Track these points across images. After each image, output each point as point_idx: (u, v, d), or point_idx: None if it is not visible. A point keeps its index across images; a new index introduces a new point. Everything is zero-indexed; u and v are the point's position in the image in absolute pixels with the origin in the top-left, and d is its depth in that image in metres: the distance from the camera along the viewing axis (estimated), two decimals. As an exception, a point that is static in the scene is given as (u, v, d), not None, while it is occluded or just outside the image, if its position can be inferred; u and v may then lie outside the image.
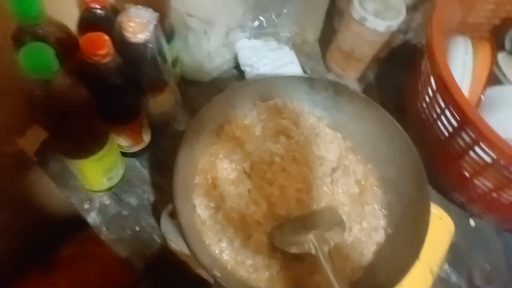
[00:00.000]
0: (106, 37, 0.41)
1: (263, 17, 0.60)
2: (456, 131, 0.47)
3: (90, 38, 0.41)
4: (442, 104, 0.47)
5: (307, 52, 0.69)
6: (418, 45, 0.69)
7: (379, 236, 0.44)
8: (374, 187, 0.47)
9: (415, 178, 0.43)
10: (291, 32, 0.64)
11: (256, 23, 0.61)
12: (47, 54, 0.34)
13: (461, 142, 0.47)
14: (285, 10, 0.61)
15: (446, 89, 0.44)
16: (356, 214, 0.45)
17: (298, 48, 0.66)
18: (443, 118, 0.48)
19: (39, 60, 0.34)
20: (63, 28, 0.44)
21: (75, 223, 0.70)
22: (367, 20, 0.55)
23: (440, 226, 0.48)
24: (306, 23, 0.66)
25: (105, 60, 0.41)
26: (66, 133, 0.41)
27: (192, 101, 0.61)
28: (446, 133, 0.49)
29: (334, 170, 0.47)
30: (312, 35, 0.69)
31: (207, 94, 0.62)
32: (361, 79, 0.67)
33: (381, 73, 0.69)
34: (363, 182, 0.47)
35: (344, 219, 0.43)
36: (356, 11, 0.56)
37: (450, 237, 0.49)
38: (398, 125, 0.45)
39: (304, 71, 0.65)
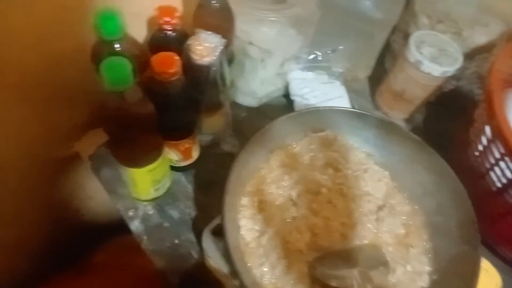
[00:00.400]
0: (177, 57, 0.44)
1: (319, 51, 0.63)
2: (511, 183, 0.46)
3: (162, 57, 0.43)
4: (497, 155, 0.46)
5: (356, 89, 0.70)
6: (470, 93, 0.69)
7: (423, 282, 0.42)
8: (421, 230, 0.46)
9: (465, 228, 0.42)
10: (343, 68, 0.66)
11: (311, 56, 0.63)
12: (126, 68, 0.37)
13: (514, 195, 0.46)
14: (340, 47, 0.62)
15: (504, 139, 0.43)
16: (400, 256, 0.44)
17: (348, 84, 0.68)
18: (496, 169, 0.47)
19: (119, 73, 0.37)
20: (137, 45, 0.47)
21: (111, 230, 0.72)
22: (423, 64, 0.56)
23: (486, 279, 0.47)
24: (358, 61, 0.67)
25: (173, 78, 0.44)
26: (128, 142, 0.44)
27: (240, 124, 0.63)
28: (499, 184, 0.47)
29: (380, 208, 0.46)
30: (363, 72, 0.70)
31: (254, 118, 0.65)
32: (408, 120, 0.67)
33: (429, 116, 0.69)
34: (410, 223, 0.46)
35: (388, 259, 0.43)
36: (412, 54, 0.57)
37: (496, 291, 0.47)
38: (452, 171, 0.44)
39: (352, 107, 0.66)
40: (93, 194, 0.74)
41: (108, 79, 0.36)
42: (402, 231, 0.45)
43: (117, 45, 0.43)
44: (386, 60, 0.72)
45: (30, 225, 0.67)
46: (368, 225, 0.45)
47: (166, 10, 0.49)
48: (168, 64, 0.43)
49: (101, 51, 0.44)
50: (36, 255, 0.73)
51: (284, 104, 0.68)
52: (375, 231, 0.45)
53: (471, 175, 0.52)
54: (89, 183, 0.71)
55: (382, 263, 0.41)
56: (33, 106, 0.53)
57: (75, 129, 0.60)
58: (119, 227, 0.56)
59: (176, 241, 0.52)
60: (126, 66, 0.37)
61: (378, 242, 0.44)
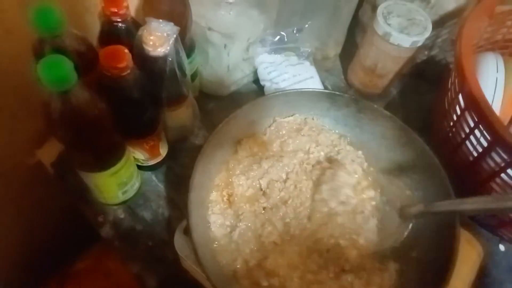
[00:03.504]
0: (126, 50, 0.41)
1: (284, 32, 0.60)
2: (486, 151, 0.44)
3: (109, 51, 0.40)
4: (471, 123, 0.45)
5: (328, 68, 0.68)
6: (443, 62, 0.67)
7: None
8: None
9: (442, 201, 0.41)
10: (312, 47, 0.63)
11: (277, 37, 0.60)
12: (65, 66, 0.34)
13: (491, 163, 0.44)
14: (306, 25, 0.60)
15: (477, 107, 0.42)
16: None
17: (319, 64, 0.65)
18: (472, 137, 0.46)
19: (57, 72, 0.33)
20: (83, 40, 0.44)
21: (91, 237, 0.70)
22: (392, 36, 0.54)
23: (468, 251, 0.46)
24: (327, 38, 0.65)
25: (124, 73, 0.41)
26: (81, 146, 0.41)
27: (210, 115, 0.61)
28: (475, 153, 0.46)
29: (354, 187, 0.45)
30: (333, 50, 0.67)
31: (225, 108, 0.62)
32: (383, 95, 0.65)
33: (404, 90, 0.67)
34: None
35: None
36: (380, 26, 0.54)
37: (478, 262, 0.47)
38: (425, 146, 0.43)
39: (325, 87, 0.64)
40: (68, 202, 0.72)
41: (45, 79, 0.33)
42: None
43: (58, 42, 0.40)
44: (356, 35, 0.70)
45: (5, 236, 0.65)
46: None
47: (112, 0, 0.45)
48: (117, 58, 0.40)
49: (42, 49, 0.41)
50: (17, 266, 0.70)
51: (255, 90, 0.65)
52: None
53: (449, 146, 0.50)
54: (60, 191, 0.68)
55: None
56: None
57: (37, 136, 0.57)
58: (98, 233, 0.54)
59: (150, 243, 0.50)
60: (65, 64, 0.34)
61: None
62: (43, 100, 0.36)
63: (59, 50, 0.40)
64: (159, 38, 0.43)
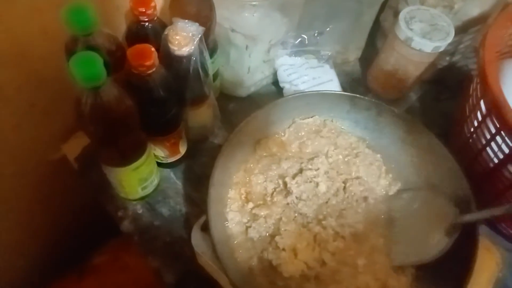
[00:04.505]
0: (153, 49, 0.42)
1: (306, 35, 0.60)
2: (508, 159, 0.44)
3: (137, 49, 0.42)
4: (493, 129, 0.44)
5: (348, 71, 0.68)
6: (465, 68, 0.67)
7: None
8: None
9: (463, 208, 0.41)
10: (332, 51, 0.63)
11: (298, 40, 0.60)
12: (96, 63, 0.35)
13: (512, 170, 0.44)
14: (328, 29, 0.60)
15: (499, 113, 0.41)
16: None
17: (339, 67, 0.66)
18: (493, 144, 0.45)
19: (88, 69, 0.35)
20: (113, 39, 0.45)
21: (109, 231, 0.71)
22: (413, 41, 0.54)
23: (487, 259, 0.45)
24: (348, 42, 0.65)
25: (150, 71, 0.42)
26: (108, 141, 0.42)
27: (230, 115, 0.62)
28: (495, 160, 0.46)
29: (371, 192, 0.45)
30: (353, 54, 0.68)
31: (244, 108, 0.63)
32: (402, 100, 0.65)
33: (424, 95, 0.67)
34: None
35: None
36: (402, 31, 0.54)
37: (497, 270, 0.46)
38: (446, 151, 0.43)
39: (344, 90, 0.64)
40: (89, 196, 0.73)
41: (78, 75, 0.34)
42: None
43: (90, 40, 0.41)
44: (377, 40, 0.70)
45: (24, 230, 0.67)
46: (358, 210, 0.43)
47: (140, 1, 0.47)
48: (144, 57, 0.41)
49: (74, 47, 0.42)
50: (35, 260, 0.72)
51: (274, 92, 0.66)
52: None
53: (468, 153, 0.50)
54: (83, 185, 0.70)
55: None
56: (16, 109, 0.52)
57: (63, 131, 0.59)
58: (117, 227, 0.55)
59: (168, 239, 0.51)
60: (97, 60, 0.35)
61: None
62: (74, 96, 0.38)
63: (91, 48, 0.41)
64: (184, 38, 0.44)
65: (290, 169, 0.45)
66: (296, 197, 0.43)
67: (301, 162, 0.46)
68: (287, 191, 0.44)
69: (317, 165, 0.45)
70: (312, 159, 0.46)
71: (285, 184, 0.44)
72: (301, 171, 0.45)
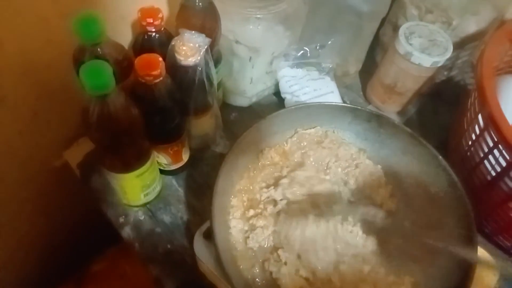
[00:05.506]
0: (160, 59, 0.43)
1: (308, 48, 0.62)
2: (505, 172, 0.45)
3: (145, 59, 0.42)
4: (491, 143, 0.45)
5: (347, 84, 0.70)
6: (462, 83, 0.68)
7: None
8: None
9: (461, 220, 0.42)
10: (333, 63, 0.65)
11: (300, 52, 0.62)
12: (106, 72, 0.36)
13: (510, 183, 0.45)
14: (329, 42, 0.62)
15: (497, 127, 0.42)
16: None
17: (339, 79, 0.67)
18: (490, 157, 0.46)
19: (98, 77, 0.36)
20: (120, 48, 0.46)
21: (108, 239, 0.71)
22: (413, 55, 0.55)
23: (484, 271, 0.46)
24: (349, 55, 0.67)
25: (157, 80, 0.43)
26: (113, 148, 0.43)
27: (231, 124, 0.62)
28: (493, 173, 0.47)
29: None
30: (354, 67, 0.69)
31: (246, 118, 0.64)
32: (401, 113, 0.66)
33: (422, 108, 0.68)
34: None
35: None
36: (402, 46, 0.56)
37: (494, 282, 0.46)
38: (445, 163, 0.44)
39: (344, 102, 0.66)
40: (90, 203, 0.73)
41: (87, 84, 0.35)
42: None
43: (98, 50, 0.42)
44: (376, 54, 0.71)
45: (24, 237, 0.66)
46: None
47: (148, 12, 0.48)
48: (151, 66, 0.42)
49: (82, 56, 0.43)
50: (34, 267, 0.72)
51: (275, 102, 0.67)
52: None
53: (466, 166, 0.51)
54: (83, 192, 0.70)
55: None
56: (19, 117, 0.52)
57: (65, 138, 0.59)
58: (116, 235, 0.56)
59: (169, 247, 0.51)
60: (106, 69, 0.36)
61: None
62: (81, 103, 0.38)
63: (98, 57, 0.42)
64: (191, 49, 0.45)
65: (292, 178, 0.46)
66: (298, 207, 0.44)
67: (303, 171, 0.46)
68: (287, 201, 0.45)
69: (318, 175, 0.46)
70: (314, 170, 0.47)
71: (287, 194, 0.45)
72: (303, 180, 0.46)
